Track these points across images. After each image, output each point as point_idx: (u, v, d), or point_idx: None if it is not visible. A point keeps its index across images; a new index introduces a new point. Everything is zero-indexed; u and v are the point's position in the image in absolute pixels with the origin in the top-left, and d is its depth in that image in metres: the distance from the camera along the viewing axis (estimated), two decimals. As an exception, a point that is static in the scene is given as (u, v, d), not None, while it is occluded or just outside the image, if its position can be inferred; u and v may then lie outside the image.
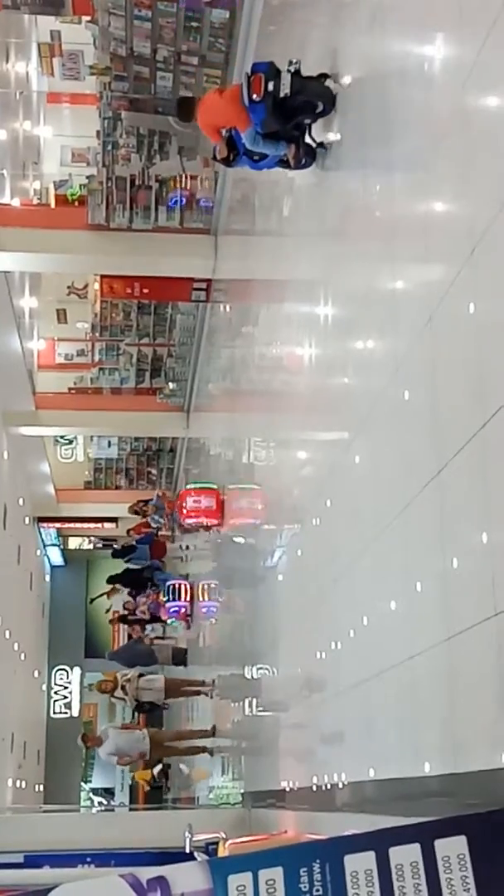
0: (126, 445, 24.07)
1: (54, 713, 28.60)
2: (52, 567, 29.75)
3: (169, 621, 19.26)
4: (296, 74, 6.13)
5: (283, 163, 6.68)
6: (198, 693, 14.75)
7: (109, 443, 24.10)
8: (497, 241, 3.48)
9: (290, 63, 6.18)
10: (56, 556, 29.33)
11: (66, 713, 28.70)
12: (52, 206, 15.88)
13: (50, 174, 19.51)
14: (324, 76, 6.31)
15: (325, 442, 7.23)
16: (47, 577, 29.38)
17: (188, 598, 17.95)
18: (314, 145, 6.50)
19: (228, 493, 13.55)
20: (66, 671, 29.32)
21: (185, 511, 14.61)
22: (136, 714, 17.28)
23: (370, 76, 5.71)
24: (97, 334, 18.66)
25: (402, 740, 4.81)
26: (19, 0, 12.59)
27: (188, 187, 13.12)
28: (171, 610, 18.36)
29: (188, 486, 15.33)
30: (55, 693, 29.09)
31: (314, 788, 7.00)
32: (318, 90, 6.22)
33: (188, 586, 18.10)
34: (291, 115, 6.25)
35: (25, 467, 22.31)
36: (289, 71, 6.11)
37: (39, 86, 19.46)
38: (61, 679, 29.32)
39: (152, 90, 12.38)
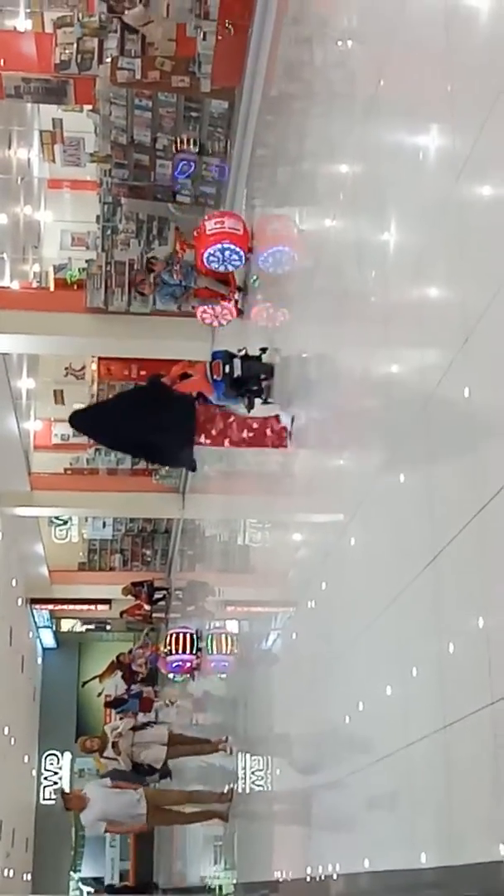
0: (121, 526, 24.02)
1: (44, 800, 28.04)
2: (44, 649, 29.44)
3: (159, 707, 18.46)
4: (244, 358, 8.43)
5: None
6: (209, 751, 12.45)
7: (104, 523, 24.05)
8: (491, 329, 3.52)
9: (238, 350, 8.55)
10: (48, 639, 29.04)
11: (56, 800, 28.13)
12: (52, 289, 16.07)
13: (50, 258, 19.73)
14: (263, 350, 8.53)
15: (321, 524, 7.21)
16: (39, 660, 29.05)
17: (193, 651, 15.31)
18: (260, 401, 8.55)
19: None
20: (57, 756, 28.81)
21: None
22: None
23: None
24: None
25: (397, 830, 4.72)
26: (22, 89, 12.91)
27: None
28: (173, 664, 15.84)
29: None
30: (45, 779, 28.55)
31: (308, 879, 6.85)
32: (260, 368, 8.43)
33: (194, 637, 15.48)
34: (244, 384, 8.41)
35: (19, 548, 22.22)
36: (238, 356, 8.42)
37: (41, 172, 19.79)
38: (51, 765, 28.80)
39: (152, 178, 12.60)
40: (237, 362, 8.45)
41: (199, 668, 15.41)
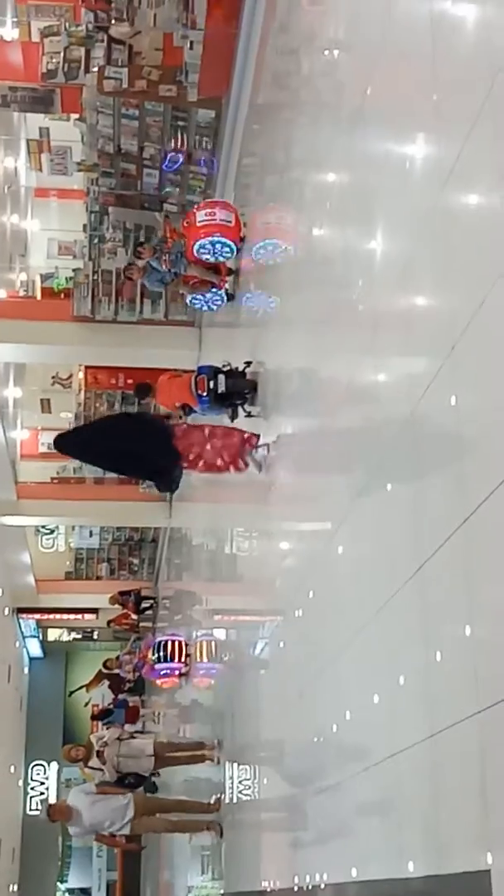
0: (108, 535, 23.95)
1: (30, 810, 27.89)
2: (31, 659, 29.31)
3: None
4: (228, 374, 8.66)
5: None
6: (197, 760, 12.16)
7: (91, 532, 23.98)
8: (478, 337, 3.52)
9: (223, 365, 8.74)
10: (35, 648, 28.92)
11: (40, 811, 27.95)
12: (38, 297, 16.06)
13: (36, 267, 19.73)
14: (248, 363, 8.72)
15: (308, 533, 7.21)
16: (26, 670, 28.93)
17: (183, 658, 14.99)
18: (244, 412, 8.80)
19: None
20: (44, 767, 28.67)
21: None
22: None
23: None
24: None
25: (385, 839, 4.71)
26: (9, 98, 12.90)
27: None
28: (161, 672, 15.58)
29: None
30: (32, 789, 28.40)
31: (295, 889, 6.83)
32: (243, 384, 8.65)
33: (182, 644, 15.15)
34: (227, 398, 8.69)
35: (6, 557, 22.13)
36: (223, 372, 8.64)
37: (28, 180, 19.76)
38: (38, 775, 28.66)
39: (139, 186, 12.61)
40: (221, 378, 8.68)
41: (187, 675, 15.19)
